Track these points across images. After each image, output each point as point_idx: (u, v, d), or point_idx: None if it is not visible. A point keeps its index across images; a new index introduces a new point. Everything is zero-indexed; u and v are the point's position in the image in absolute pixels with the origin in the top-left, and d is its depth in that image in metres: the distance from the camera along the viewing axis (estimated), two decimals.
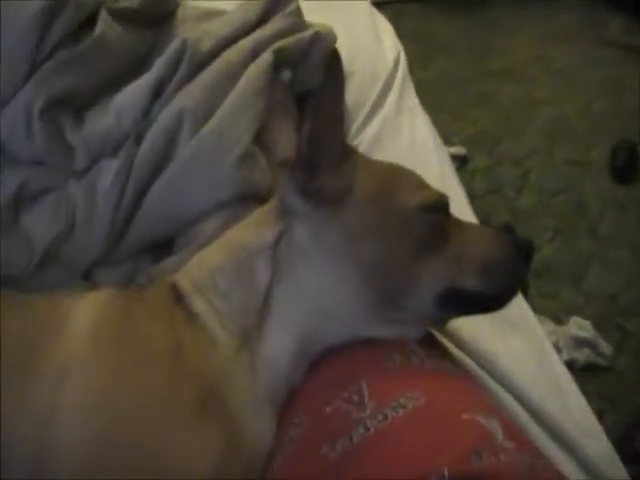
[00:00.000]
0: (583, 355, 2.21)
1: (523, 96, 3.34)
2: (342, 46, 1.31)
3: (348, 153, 0.98)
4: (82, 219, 1.18)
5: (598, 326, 2.31)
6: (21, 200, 1.21)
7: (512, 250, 0.98)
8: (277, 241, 0.95)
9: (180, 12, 1.45)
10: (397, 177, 0.99)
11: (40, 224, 1.19)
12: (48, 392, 0.82)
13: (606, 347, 2.25)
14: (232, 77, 1.23)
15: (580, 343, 2.23)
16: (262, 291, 0.93)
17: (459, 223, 1.01)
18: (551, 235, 2.59)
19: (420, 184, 0.99)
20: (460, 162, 2.82)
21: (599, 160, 2.99)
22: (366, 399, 0.85)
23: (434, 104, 1.72)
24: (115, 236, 1.19)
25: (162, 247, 1.22)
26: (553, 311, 2.27)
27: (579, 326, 2.28)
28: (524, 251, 0.99)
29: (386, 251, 0.92)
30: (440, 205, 0.97)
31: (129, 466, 0.79)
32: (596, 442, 1.10)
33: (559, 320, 2.29)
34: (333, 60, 0.92)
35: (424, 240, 0.93)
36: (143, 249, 1.22)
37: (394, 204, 0.94)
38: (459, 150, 2.87)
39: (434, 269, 0.93)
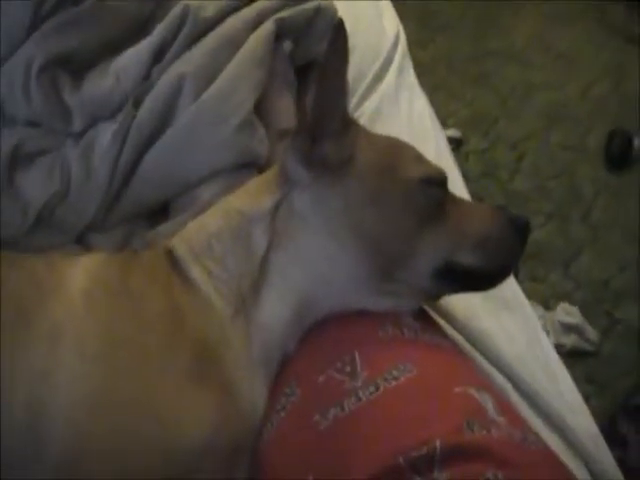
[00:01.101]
0: (570, 340, 2.23)
1: (522, 78, 3.33)
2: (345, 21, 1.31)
3: (350, 124, 0.98)
4: (77, 181, 1.17)
5: (586, 312, 2.33)
6: (17, 160, 1.20)
7: (509, 227, 0.99)
8: (276, 208, 0.95)
9: None
10: (398, 150, 0.99)
11: (35, 185, 1.18)
12: (43, 351, 0.81)
13: (593, 333, 2.27)
14: (234, 45, 1.22)
15: (567, 328, 2.25)
16: (259, 257, 0.93)
17: (457, 200, 1.01)
18: (544, 219, 2.60)
19: (420, 158, 1.00)
20: (455, 144, 2.81)
21: (595, 146, 2.99)
22: (359, 369, 0.85)
23: (432, 85, 1.72)
24: (110, 199, 1.18)
25: (157, 213, 1.22)
26: (542, 295, 2.28)
27: (567, 312, 2.30)
28: (521, 229, 1.00)
29: (385, 221, 0.93)
30: (439, 180, 0.98)
31: (122, 426, 0.79)
32: (584, 423, 1.11)
33: (548, 305, 2.31)
34: (338, 30, 0.92)
35: (423, 213, 0.94)
36: (138, 214, 1.22)
37: (394, 176, 0.95)
38: (454, 133, 2.87)
39: (432, 243, 0.94)
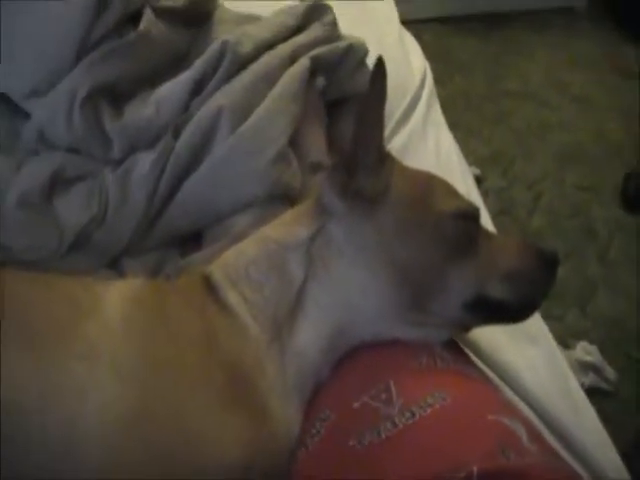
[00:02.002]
0: (588, 379, 2.22)
1: (538, 119, 3.37)
2: (372, 59, 1.34)
3: (386, 157, 1.01)
4: (114, 207, 1.20)
5: (603, 351, 2.33)
6: (56, 185, 1.23)
7: (539, 261, 1.01)
8: (312, 239, 0.97)
9: (218, 14, 1.48)
10: (432, 183, 1.02)
11: (73, 209, 1.21)
12: (79, 371, 0.82)
13: (611, 372, 2.27)
14: (270, 80, 1.26)
15: (586, 367, 2.25)
16: (295, 286, 0.95)
17: (488, 234, 1.03)
18: (560, 258, 2.60)
19: (454, 192, 1.02)
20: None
21: (610, 187, 3.01)
22: (394, 397, 0.87)
23: (451, 122, 1.74)
24: (146, 226, 1.21)
25: (189, 241, 1.25)
26: (560, 333, 2.27)
27: (586, 351, 2.30)
28: (550, 263, 1.02)
29: (418, 254, 0.95)
30: (472, 214, 1.00)
31: (156, 447, 0.80)
32: (608, 456, 1.12)
33: (565, 343, 2.31)
34: (379, 67, 0.95)
35: (455, 246, 0.96)
36: (172, 241, 1.25)
37: (428, 209, 0.97)
38: (474, 170, 2.88)
39: (463, 275, 0.96)
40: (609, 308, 2.50)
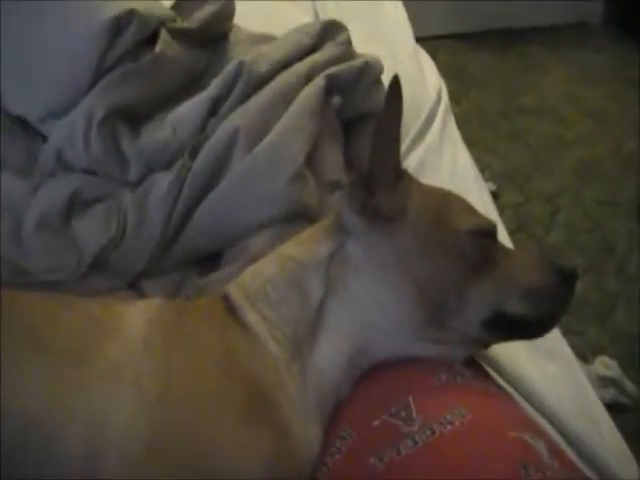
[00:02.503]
0: (608, 394, 2.20)
1: (554, 134, 3.35)
2: (388, 76, 1.35)
3: (403, 175, 1.01)
4: (133, 228, 1.21)
5: (623, 366, 2.30)
6: (74, 207, 1.25)
7: (557, 277, 1.01)
8: (331, 257, 0.98)
9: (233, 35, 1.50)
10: (449, 201, 1.02)
11: (91, 231, 1.22)
12: (101, 391, 0.83)
13: (631, 387, 2.25)
14: (286, 99, 1.27)
15: (606, 382, 2.23)
16: (314, 304, 0.96)
17: (506, 250, 1.04)
18: (579, 273, 2.58)
19: (471, 209, 1.03)
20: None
21: (628, 201, 2.99)
22: (414, 415, 0.87)
23: (466, 138, 1.74)
24: (164, 247, 1.22)
25: (208, 261, 1.25)
26: (579, 348, 2.26)
27: (605, 365, 2.28)
28: (568, 278, 1.02)
29: (436, 271, 0.95)
30: (489, 231, 1.01)
31: (179, 467, 0.81)
32: (629, 471, 1.11)
33: (585, 358, 2.29)
34: (394, 85, 0.96)
35: (473, 263, 0.96)
36: (190, 262, 1.25)
37: (446, 226, 0.97)
38: (490, 186, 2.88)
39: (482, 293, 0.96)
40: (628, 323, 2.47)
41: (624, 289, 2.60)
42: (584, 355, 2.29)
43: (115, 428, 0.81)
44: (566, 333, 1.28)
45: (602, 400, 2.14)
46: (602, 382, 2.22)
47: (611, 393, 2.21)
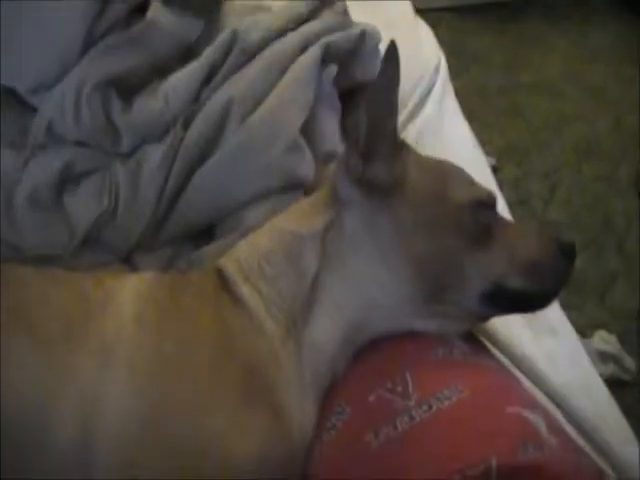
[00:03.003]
0: (607, 369, 2.19)
1: (553, 110, 3.33)
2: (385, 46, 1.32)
3: (400, 146, 0.99)
4: (125, 201, 1.18)
5: (622, 341, 2.29)
6: (65, 180, 1.22)
7: (557, 250, 0.99)
8: (327, 229, 0.95)
9: (227, 4, 1.46)
10: (448, 172, 1.00)
11: (83, 204, 1.19)
12: (93, 370, 0.82)
13: (630, 362, 2.24)
14: (280, 68, 1.24)
15: (605, 357, 2.22)
16: (309, 278, 0.93)
17: (505, 223, 1.02)
18: (578, 249, 2.57)
19: (470, 181, 1.00)
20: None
21: (627, 177, 2.97)
22: (410, 389, 0.85)
23: (466, 114, 1.71)
24: (157, 220, 1.19)
25: (202, 234, 1.22)
26: (578, 324, 2.24)
27: (604, 340, 2.27)
28: (568, 252, 1.00)
29: (435, 244, 0.93)
30: (489, 203, 0.98)
31: (172, 446, 0.80)
32: (630, 448, 1.10)
33: (584, 333, 2.28)
34: (391, 51, 0.93)
35: (473, 236, 0.94)
36: (184, 235, 1.23)
37: (444, 198, 0.95)
38: (489, 160, 2.86)
39: (481, 266, 0.94)
40: (628, 298, 2.46)
41: (623, 265, 2.59)
42: (583, 330, 2.28)
43: (107, 409, 0.80)
44: (565, 308, 1.27)
45: (601, 375, 2.15)
46: (601, 357, 2.21)
47: (610, 368, 2.20)
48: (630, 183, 2.95)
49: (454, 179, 0.99)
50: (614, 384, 2.13)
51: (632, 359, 2.25)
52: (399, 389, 0.86)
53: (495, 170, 2.85)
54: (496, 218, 0.99)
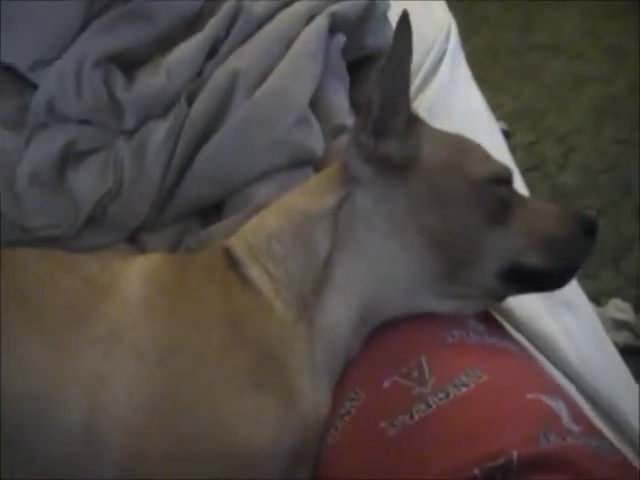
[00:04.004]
0: (621, 337, 2.17)
1: (570, 71, 3.26)
2: (394, 15, 1.28)
3: (414, 120, 0.96)
4: (130, 180, 1.16)
5: (637, 309, 2.27)
6: (68, 159, 1.20)
7: (577, 227, 0.96)
8: (338, 207, 0.92)
9: None
10: (463, 147, 0.97)
11: (87, 183, 1.17)
12: (100, 354, 0.80)
13: None
14: (286, 40, 1.20)
15: (619, 325, 2.19)
16: (321, 258, 0.91)
17: (523, 199, 0.99)
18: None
19: (487, 156, 0.97)
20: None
21: None
22: (427, 375, 0.83)
23: (477, 77, 1.67)
24: (163, 198, 1.17)
25: (210, 212, 1.20)
26: (593, 291, 2.21)
27: (619, 308, 2.24)
28: (589, 228, 0.97)
29: (450, 221, 0.91)
30: (505, 177, 0.96)
31: (181, 429, 0.78)
32: None
33: (598, 301, 2.25)
34: (403, 21, 0.89)
35: (489, 212, 0.91)
36: (191, 213, 1.20)
37: (460, 174, 0.92)
38: (501, 126, 2.82)
39: (498, 243, 0.91)
40: None
41: None
42: (597, 298, 2.25)
43: (115, 394, 0.78)
44: (580, 275, 1.24)
45: (615, 344, 2.13)
46: (615, 325, 2.19)
47: (624, 336, 2.18)
48: None
49: (470, 154, 0.96)
50: (628, 352, 2.12)
51: None
52: (415, 374, 0.84)
53: (507, 135, 2.81)
54: (513, 194, 0.96)
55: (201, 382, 0.81)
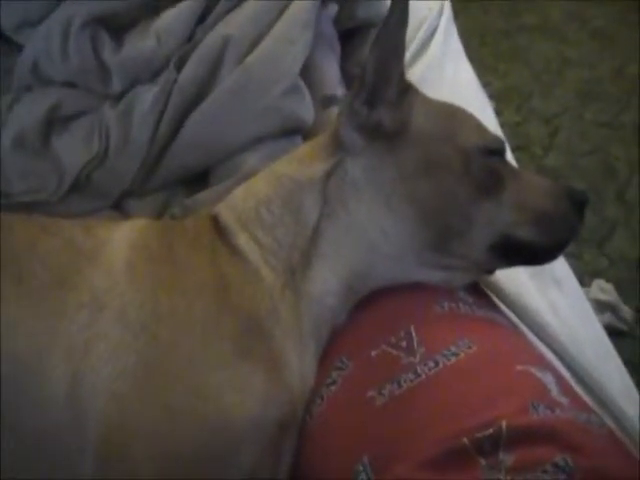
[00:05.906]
0: (605, 319, 2.17)
1: (556, 54, 3.29)
2: None
3: (407, 89, 0.94)
4: (116, 145, 1.14)
5: (620, 290, 2.28)
6: (53, 123, 1.17)
7: (567, 201, 0.95)
8: (328, 175, 0.91)
9: None
10: (455, 117, 0.96)
11: (72, 148, 1.15)
12: (83, 321, 0.79)
13: (628, 312, 2.22)
14: (279, 7, 1.18)
15: (602, 306, 2.20)
16: (310, 226, 0.90)
17: (515, 171, 0.98)
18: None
19: (479, 126, 0.96)
20: None
21: (630, 124, 2.93)
22: (415, 345, 0.82)
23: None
24: (149, 164, 1.15)
25: (196, 180, 1.18)
26: (576, 272, 2.22)
27: (602, 289, 2.25)
28: (579, 204, 0.96)
29: (441, 191, 0.90)
30: (498, 148, 0.95)
31: (166, 399, 0.77)
32: (631, 400, 1.08)
33: (582, 282, 2.26)
34: None
35: (481, 183, 0.90)
36: (177, 180, 1.19)
37: (452, 144, 0.91)
38: None
39: (489, 215, 0.91)
40: (627, 247, 2.45)
41: (624, 213, 2.56)
42: (581, 278, 2.26)
43: (97, 360, 0.77)
44: (563, 256, 1.24)
45: None
46: (598, 306, 2.19)
47: (607, 318, 2.19)
48: (633, 129, 2.92)
49: (463, 123, 0.95)
50: (611, 334, 2.13)
51: (629, 308, 2.23)
52: (403, 344, 0.83)
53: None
54: (505, 165, 0.96)
55: (186, 350, 0.80)
